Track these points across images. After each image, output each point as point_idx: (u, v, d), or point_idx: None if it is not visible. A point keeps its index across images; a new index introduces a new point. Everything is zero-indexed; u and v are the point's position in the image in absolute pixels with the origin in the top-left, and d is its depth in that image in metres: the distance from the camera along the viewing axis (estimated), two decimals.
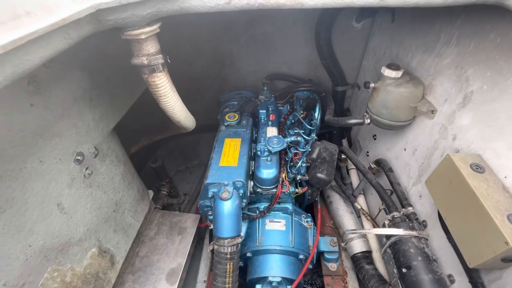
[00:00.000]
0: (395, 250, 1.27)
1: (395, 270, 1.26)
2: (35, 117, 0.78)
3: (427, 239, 1.26)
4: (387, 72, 1.33)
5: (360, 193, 1.98)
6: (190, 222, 1.85)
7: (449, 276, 1.16)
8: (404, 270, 1.20)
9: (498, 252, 0.81)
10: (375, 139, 1.93)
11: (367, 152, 2.05)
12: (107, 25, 0.66)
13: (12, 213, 0.75)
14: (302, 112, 2.00)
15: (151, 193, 1.77)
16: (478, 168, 0.97)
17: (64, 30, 0.54)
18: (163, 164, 2.23)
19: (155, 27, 0.79)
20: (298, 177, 1.60)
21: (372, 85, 1.40)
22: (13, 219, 0.76)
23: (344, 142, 2.45)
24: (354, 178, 2.10)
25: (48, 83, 0.81)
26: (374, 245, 1.70)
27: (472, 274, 1.02)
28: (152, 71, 0.86)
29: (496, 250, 0.82)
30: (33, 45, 0.48)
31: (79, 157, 0.99)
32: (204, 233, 2.01)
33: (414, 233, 1.25)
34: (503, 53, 0.95)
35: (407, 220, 1.33)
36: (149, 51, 0.83)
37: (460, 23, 1.14)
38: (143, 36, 0.77)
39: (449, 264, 1.18)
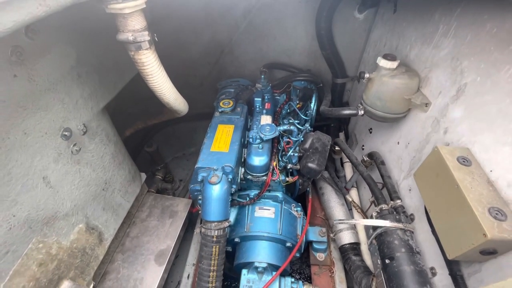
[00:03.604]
0: (380, 241, 1.28)
1: (379, 261, 1.26)
2: (19, 88, 0.79)
3: (412, 232, 1.26)
4: (383, 63, 1.31)
5: (353, 186, 1.98)
6: (181, 206, 1.87)
7: (431, 268, 1.17)
8: (387, 261, 1.20)
9: (477, 244, 0.81)
10: (371, 132, 1.91)
11: (363, 145, 2.04)
12: None
13: None
14: (298, 102, 1.98)
15: (143, 175, 1.78)
16: (465, 161, 0.96)
17: None
18: (159, 149, 2.25)
19: (140, 2, 0.78)
20: (289, 166, 1.60)
21: (367, 75, 1.38)
22: None
23: (341, 135, 2.43)
24: (348, 171, 2.09)
25: (32, 55, 0.81)
26: (362, 237, 1.70)
27: (452, 267, 1.02)
28: (138, 48, 0.86)
29: (474, 242, 0.82)
30: (4, 8, 0.48)
31: (66, 133, 1.00)
32: (196, 218, 2.04)
33: (399, 225, 1.25)
34: (498, 44, 0.92)
35: (394, 212, 1.33)
36: (134, 27, 0.82)
37: (459, 13, 1.11)
38: (127, 11, 0.76)
39: (432, 257, 1.18)
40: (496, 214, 0.81)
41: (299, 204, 1.77)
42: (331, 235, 1.77)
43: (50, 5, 0.57)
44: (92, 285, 1.26)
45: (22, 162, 0.84)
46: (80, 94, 1.05)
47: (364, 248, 1.66)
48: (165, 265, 1.58)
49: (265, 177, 1.56)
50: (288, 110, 2.01)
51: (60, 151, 0.99)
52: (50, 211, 0.98)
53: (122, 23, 0.81)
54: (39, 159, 0.90)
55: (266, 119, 1.76)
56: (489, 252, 0.83)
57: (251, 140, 1.57)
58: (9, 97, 0.76)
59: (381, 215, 1.33)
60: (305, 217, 1.74)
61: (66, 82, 0.96)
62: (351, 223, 1.68)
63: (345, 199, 1.91)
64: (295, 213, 1.72)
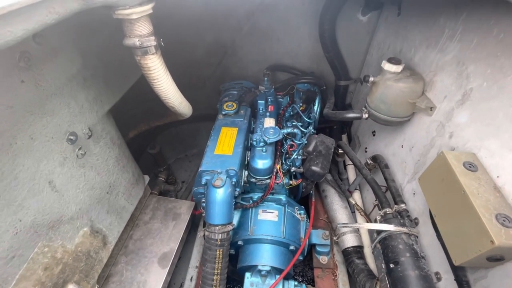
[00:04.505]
0: (384, 245, 1.27)
1: (383, 265, 1.26)
2: (26, 94, 0.79)
3: (417, 236, 1.26)
4: (387, 66, 1.31)
5: (356, 189, 1.98)
6: (184, 209, 1.87)
7: (436, 273, 1.16)
8: (391, 265, 1.20)
9: (484, 251, 0.81)
10: (374, 135, 1.91)
11: (366, 148, 2.04)
12: (96, 1, 0.66)
13: (1, 187, 0.77)
14: (301, 104, 1.98)
15: (146, 178, 1.79)
16: (471, 166, 0.95)
17: (49, 3, 0.54)
18: (161, 151, 2.26)
19: (147, 8, 0.78)
20: (293, 169, 1.60)
21: (371, 79, 1.38)
22: (3, 193, 0.78)
23: (344, 137, 2.42)
24: (351, 173, 2.09)
25: (40, 60, 0.81)
26: (366, 240, 1.70)
27: (458, 272, 1.01)
28: (145, 53, 0.86)
29: (481, 249, 0.82)
30: (15, 17, 0.48)
31: (72, 137, 1.00)
32: (199, 220, 2.04)
33: (404, 229, 1.24)
34: (505, 50, 0.92)
35: (398, 216, 1.33)
36: (141, 32, 0.82)
37: (465, 17, 1.11)
38: (134, 16, 0.76)
39: (437, 261, 1.18)
40: (504, 220, 0.80)
41: (302, 207, 1.77)
42: (334, 238, 1.77)
43: (59, 12, 0.57)
44: None
45: (28, 166, 0.84)
46: (86, 97, 1.05)
47: (367, 251, 1.66)
48: (168, 267, 1.58)
49: (268, 180, 1.56)
50: (291, 113, 2.01)
51: (65, 155, 0.99)
52: (55, 215, 0.98)
53: (129, 28, 0.81)
54: (45, 163, 0.90)
55: (269, 122, 1.76)
56: (496, 258, 0.83)
57: (254, 143, 1.57)
58: (17, 103, 0.77)
59: (385, 219, 1.33)
60: (308, 220, 1.73)
61: (72, 86, 0.97)
62: (355, 227, 1.68)
63: (348, 202, 1.91)
64: (298, 216, 1.71)
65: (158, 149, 2.23)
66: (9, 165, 0.78)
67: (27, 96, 0.79)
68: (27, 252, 0.89)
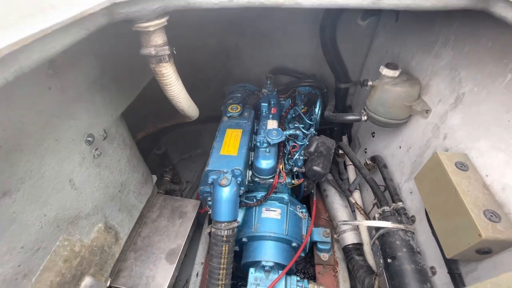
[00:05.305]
0: (382, 241, 1.34)
1: (381, 261, 1.33)
2: (53, 99, 0.86)
3: (413, 233, 1.32)
4: (385, 71, 1.37)
5: (356, 189, 2.04)
6: (190, 207, 1.94)
7: (432, 267, 1.23)
8: (389, 260, 1.26)
9: (473, 244, 0.87)
10: (373, 136, 1.97)
11: (365, 149, 2.10)
12: (119, 17, 0.73)
13: (30, 184, 0.84)
14: (303, 107, 2.05)
15: (154, 177, 1.86)
16: (462, 166, 1.02)
17: (82, 22, 0.61)
18: (167, 152, 2.33)
19: (163, 20, 0.85)
20: (295, 169, 1.66)
21: (370, 83, 1.45)
22: (31, 189, 0.85)
23: (344, 138, 2.49)
24: (351, 173, 2.15)
25: (65, 68, 0.89)
26: (365, 238, 1.76)
27: (451, 266, 1.08)
28: (159, 61, 0.93)
29: (471, 242, 0.88)
30: (56, 35, 0.55)
31: (89, 139, 1.08)
32: (204, 219, 2.10)
33: (401, 226, 1.31)
34: (493, 57, 0.99)
35: (396, 214, 1.39)
36: (157, 42, 0.89)
37: (457, 26, 1.18)
38: (151, 29, 0.84)
39: (432, 257, 1.24)
40: (491, 216, 0.87)
41: (304, 205, 1.83)
42: (335, 236, 1.83)
43: (89, 28, 0.65)
44: (109, 282, 1.33)
45: (53, 166, 0.91)
46: (102, 102, 1.13)
47: (366, 248, 1.72)
48: (176, 263, 1.65)
49: (271, 180, 1.63)
50: (293, 115, 2.08)
51: (84, 155, 1.06)
52: (74, 211, 1.06)
53: (145, 39, 0.88)
54: (67, 163, 0.98)
55: (272, 124, 1.82)
56: (485, 251, 0.90)
57: (258, 144, 1.64)
58: (45, 107, 0.84)
59: (383, 217, 1.39)
60: (309, 218, 1.80)
61: (91, 91, 1.04)
62: (355, 224, 1.75)
63: (348, 201, 1.97)
64: (300, 214, 1.78)
65: (164, 150, 2.30)
66: (37, 165, 0.86)
67: (54, 102, 0.87)
68: (50, 245, 0.97)
